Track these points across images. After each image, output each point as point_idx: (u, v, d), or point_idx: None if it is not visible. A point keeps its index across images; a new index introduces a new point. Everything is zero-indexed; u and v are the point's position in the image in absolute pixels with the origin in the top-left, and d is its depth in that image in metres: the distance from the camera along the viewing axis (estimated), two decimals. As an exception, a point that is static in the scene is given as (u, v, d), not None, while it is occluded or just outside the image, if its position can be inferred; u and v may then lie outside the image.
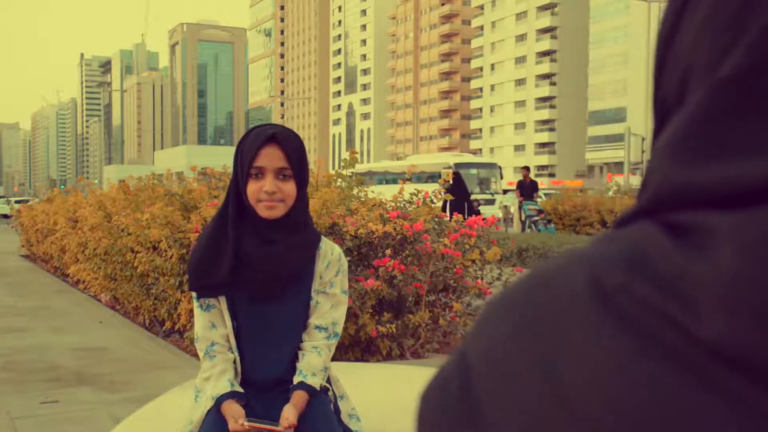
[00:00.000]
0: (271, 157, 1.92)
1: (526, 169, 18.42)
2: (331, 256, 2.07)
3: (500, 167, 30.99)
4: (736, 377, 0.25)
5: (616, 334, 0.27)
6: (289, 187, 1.94)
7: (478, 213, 17.67)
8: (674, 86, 0.32)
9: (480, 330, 0.33)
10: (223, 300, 2.01)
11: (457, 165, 27.56)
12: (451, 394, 0.32)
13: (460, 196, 17.74)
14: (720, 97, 0.28)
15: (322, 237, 2.10)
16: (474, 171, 28.96)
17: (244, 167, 1.93)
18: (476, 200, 18.34)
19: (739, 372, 0.25)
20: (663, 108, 0.33)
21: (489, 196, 26.97)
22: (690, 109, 0.29)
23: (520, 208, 17.66)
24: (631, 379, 0.26)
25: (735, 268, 0.25)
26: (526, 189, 17.66)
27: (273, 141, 1.93)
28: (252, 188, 1.93)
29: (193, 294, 2.04)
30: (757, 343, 0.24)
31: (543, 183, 66.88)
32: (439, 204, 6.04)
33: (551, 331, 0.30)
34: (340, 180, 6.52)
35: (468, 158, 32.55)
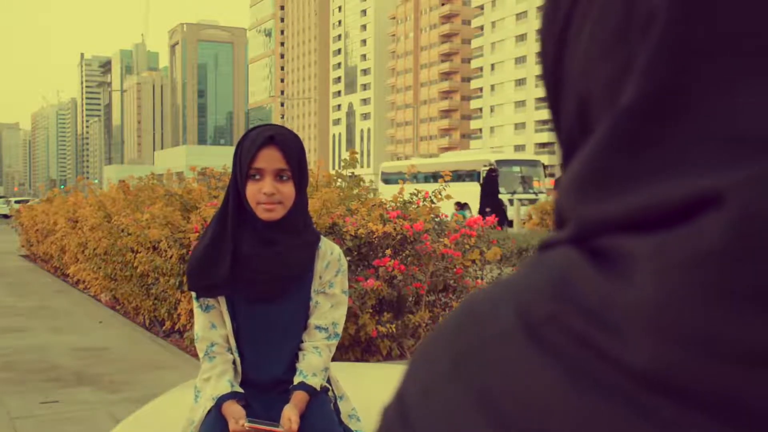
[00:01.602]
0: (269, 159, 1.91)
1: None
2: (330, 256, 2.07)
3: (543, 164, 29.20)
4: (665, 403, 0.25)
5: (546, 366, 0.27)
6: (288, 189, 1.94)
7: (502, 216, 17.09)
8: (573, 117, 0.32)
9: (414, 370, 0.33)
10: (222, 300, 2.00)
11: (498, 163, 26.45)
12: None
13: (491, 196, 17.04)
14: (623, 128, 0.28)
15: (322, 237, 2.10)
16: (516, 169, 27.76)
17: (243, 168, 1.92)
18: (503, 202, 17.45)
19: (668, 398, 0.25)
20: (568, 140, 0.33)
21: (532, 196, 25.93)
22: (594, 142, 0.29)
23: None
24: (563, 411, 0.26)
25: (655, 294, 0.25)
26: None
27: (272, 142, 1.92)
28: (251, 190, 1.92)
29: (193, 294, 2.04)
30: (682, 368, 0.25)
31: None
32: (439, 204, 6.03)
33: (486, 366, 0.29)
34: (340, 180, 6.52)
35: (508, 155, 30.97)
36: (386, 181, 31.51)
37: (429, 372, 0.32)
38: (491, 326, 0.30)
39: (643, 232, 0.27)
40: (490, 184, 17.43)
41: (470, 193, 22.57)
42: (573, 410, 0.26)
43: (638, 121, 0.27)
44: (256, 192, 1.92)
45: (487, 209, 17.09)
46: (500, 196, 20.44)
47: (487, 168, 24.89)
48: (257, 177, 1.92)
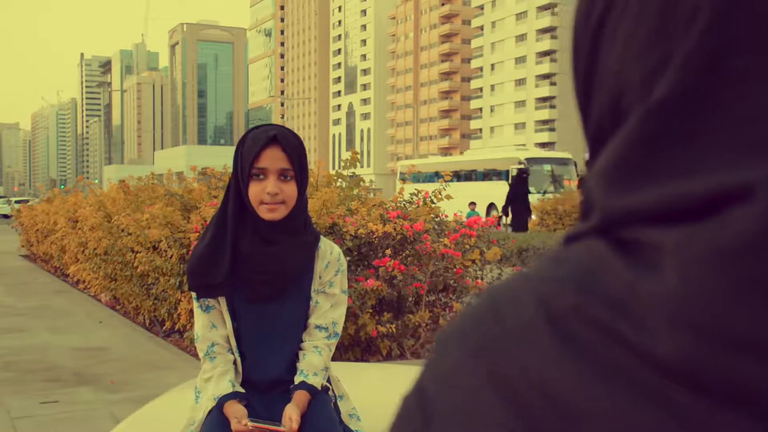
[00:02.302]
0: (273, 158, 1.91)
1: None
2: (330, 256, 2.07)
3: (575, 162, 27.96)
4: (689, 395, 0.25)
5: (570, 356, 0.27)
6: (291, 189, 1.94)
7: (524, 223, 16.12)
8: (606, 110, 0.32)
9: (435, 360, 0.33)
10: (222, 301, 2.00)
11: (529, 161, 24.98)
12: (413, 427, 0.32)
13: (520, 198, 16.11)
14: (655, 121, 0.28)
15: (321, 237, 2.10)
16: (547, 167, 26.47)
17: (245, 168, 1.92)
18: (530, 208, 16.26)
19: (689, 389, 0.25)
20: (597, 132, 0.33)
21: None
22: (626, 134, 0.29)
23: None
24: (584, 401, 0.26)
25: (680, 285, 0.25)
26: None
27: (275, 142, 1.92)
28: (254, 190, 1.92)
29: (193, 295, 2.04)
30: (707, 361, 0.25)
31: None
32: (439, 204, 6.03)
33: (506, 356, 0.29)
34: (340, 180, 6.51)
35: (537, 152, 29.10)
36: (406, 181, 31.15)
37: (449, 361, 0.32)
38: (513, 317, 0.30)
39: (670, 224, 0.27)
40: (519, 185, 16.30)
41: (498, 193, 21.29)
42: (594, 401, 0.26)
43: (670, 115, 0.27)
44: (259, 192, 1.92)
45: (505, 214, 16.27)
46: (530, 196, 19.05)
47: (521, 166, 23.63)
48: (260, 177, 1.92)
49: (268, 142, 1.91)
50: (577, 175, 26.97)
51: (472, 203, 20.52)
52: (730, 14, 0.26)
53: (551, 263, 0.31)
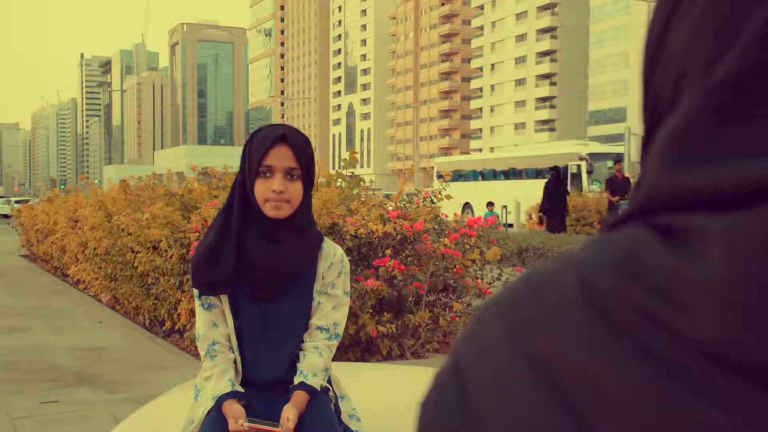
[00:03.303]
0: (281, 157, 1.92)
1: (618, 161, 15.38)
2: (333, 257, 2.07)
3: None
4: (730, 380, 0.25)
5: (608, 339, 0.27)
6: (297, 188, 1.95)
7: (561, 224, 15.27)
8: (667, 89, 0.32)
9: (472, 335, 0.33)
10: (225, 299, 2.01)
11: (592, 156, 23.03)
12: (447, 401, 0.32)
13: (557, 197, 15.23)
14: (714, 101, 0.28)
15: (325, 238, 2.11)
16: (610, 164, 24.35)
17: (253, 165, 1.93)
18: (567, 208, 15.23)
19: (733, 374, 0.25)
20: (655, 110, 0.33)
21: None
22: (683, 112, 0.29)
23: (612, 209, 14.18)
24: (622, 384, 0.26)
25: (727, 270, 0.25)
26: (619, 186, 14.20)
27: (284, 141, 1.93)
28: (260, 187, 1.93)
29: (195, 292, 2.04)
30: (749, 345, 0.24)
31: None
32: (438, 204, 6.03)
33: (543, 335, 0.29)
34: (340, 180, 6.52)
35: (598, 147, 26.76)
36: (444, 181, 29.34)
37: (486, 337, 0.32)
38: (552, 297, 0.30)
39: (717, 209, 0.27)
40: (554, 183, 15.28)
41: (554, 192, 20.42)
42: (630, 384, 0.26)
43: (727, 97, 0.27)
44: (265, 189, 1.92)
45: (543, 213, 15.52)
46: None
47: (581, 162, 22.41)
48: (267, 174, 1.93)
49: (276, 140, 1.93)
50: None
51: (490, 203, 20.01)
52: None
53: (594, 246, 0.31)
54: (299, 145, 1.95)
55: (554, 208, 14.79)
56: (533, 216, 18.74)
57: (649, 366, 0.26)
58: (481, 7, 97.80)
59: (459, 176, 27.80)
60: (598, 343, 0.27)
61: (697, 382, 0.25)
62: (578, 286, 0.30)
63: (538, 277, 0.32)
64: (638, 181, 0.32)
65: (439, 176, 30.52)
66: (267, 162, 1.92)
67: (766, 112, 0.26)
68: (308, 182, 1.98)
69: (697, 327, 0.25)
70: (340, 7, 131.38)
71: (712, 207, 0.27)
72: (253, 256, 1.96)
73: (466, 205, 23.79)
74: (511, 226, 21.87)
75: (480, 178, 27.43)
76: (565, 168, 20.92)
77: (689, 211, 0.28)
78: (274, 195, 1.92)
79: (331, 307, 2.06)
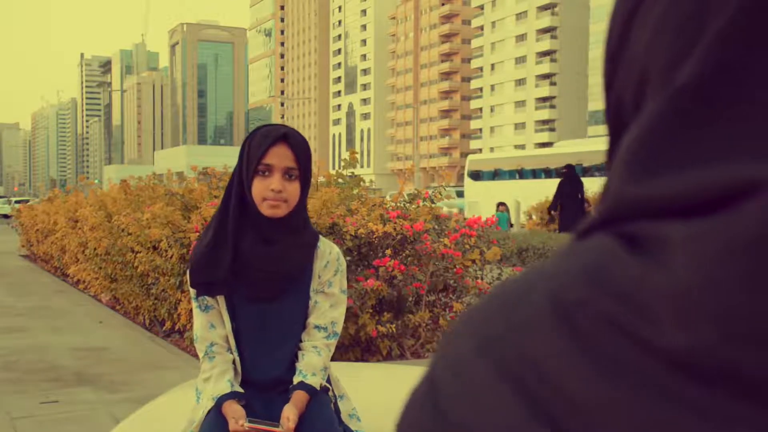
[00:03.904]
0: (280, 156, 1.93)
1: None
2: (329, 255, 2.07)
3: None
4: (697, 388, 0.25)
5: (578, 350, 0.27)
6: (294, 188, 1.95)
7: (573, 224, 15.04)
8: (630, 92, 0.32)
9: (445, 351, 0.33)
10: (221, 300, 2.01)
11: None
12: (423, 420, 0.32)
13: (570, 197, 15.01)
14: (676, 106, 0.28)
15: (320, 237, 2.11)
16: None
17: (252, 164, 1.93)
18: (587, 202, 15.01)
19: (701, 382, 0.25)
20: (618, 114, 0.33)
21: None
22: (647, 117, 0.29)
23: None
24: (593, 395, 0.26)
25: (690, 278, 0.25)
26: None
27: (283, 140, 1.93)
28: (258, 186, 1.93)
29: (192, 294, 2.04)
30: (716, 353, 0.25)
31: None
32: (439, 204, 6.02)
33: (515, 349, 0.30)
34: (340, 180, 6.52)
35: None
36: (475, 177, 27.97)
37: (459, 352, 0.32)
38: (522, 310, 0.31)
39: (680, 217, 0.27)
40: (567, 184, 15.06)
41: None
42: (602, 395, 0.26)
43: (689, 102, 0.27)
44: (263, 188, 1.92)
45: (554, 209, 15.39)
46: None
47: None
48: (265, 173, 1.93)
49: (277, 139, 1.93)
50: None
51: (502, 204, 19.47)
52: (756, 9, 0.26)
53: (562, 258, 0.31)
54: (299, 145, 1.96)
55: (568, 207, 14.62)
56: (533, 216, 18.71)
57: (618, 376, 0.26)
58: (481, 7, 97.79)
59: (494, 175, 27.09)
60: (568, 355, 0.28)
61: (665, 390, 0.25)
62: (547, 298, 0.30)
63: (507, 290, 0.32)
64: (604, 188, 0.32)
65: (471, 175, 29.00)
66: (266, 161, 1.92)
67: (728, 116, 0.26)
68: (305, 183, 1.98)
69: (663, 335, 0.26)
70: (340, 7, 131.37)
71: (676, 214, 0.27)
72: (250, 256, 1.96)
73: (501, 205, 22.27)
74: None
75: (517, 176, 26.06)
76: (566, 167, 20.62)
77: (654, 219, 0.28)
78: (272, 194, 1.92)
79: (329, 306, 2.06)
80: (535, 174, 25.77)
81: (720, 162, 0.26)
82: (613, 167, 0.31)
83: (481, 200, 24.45)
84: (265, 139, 1.93)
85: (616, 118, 0.33)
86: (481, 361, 0.31)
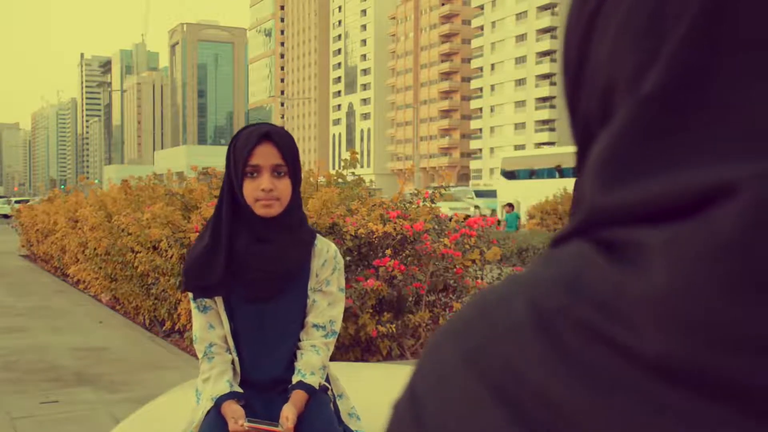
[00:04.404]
0: (266, 155, 1.92)
1: None
2: (326, 254, 2.07)
3: None
4: (677, 393, 0.25)
5: (558, 358, 0.28)
6: (285, 185, 1.95)
7: None
8: (595, 104, 0.32)
9: (426, 363, 0.33)
10: (219, 301, 2.00)
11: None
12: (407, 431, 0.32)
13: None
14: (643, 115, 0.28)
15: (317, 235, 2.10)
16: None
17: (239, 166, 1.93)
18: None
19: (680, 387, 0.25)
20: (586, 125, 0.33)
21: None
22: (615, 126, 0.29)
23: None
24: (576, 402, 0.26)
25: (668, 283, 0.25)
26: None
27: (267, 138, 1.93)
28: (249, 187, 1.93)
29: (190, 295, 2.04)
30: (695, 357, 0.25)
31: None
32: (439, 204, 6.02)
33: (496, 358, 0.30)
34: (340, 180, 6.51)
35: None
36: (510, 176, 27.16)
37: (440, 365, 0.32)
38: (503, 320, 0.31)
39: (656, 222, 0.27)
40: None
41: None
42: (583, 402, 0.26)
43: (657, 110, 0.27)
44: (253, 189, 1.92)
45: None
46: None
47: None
48: (254, 174, 1.93)
49: (260, 138, 1.93)
50: None
51: (509, 205, 19.29)
52: (716, 12, 0.26)
53: (541, 266, 0.32)
54: (284, 141, 1.95)
55: None
56: (534, 216, 18.72)
57: (599, 383, 0.26)
58: (481, 7, 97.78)
59: (531, 174, 26.23)
60: (549, 363, 0.28)
61: (645, 396, 0.25)
62: (526, 307, 0.30)
63: (487, 300, 0.32)
64: (575, 196, 0.32)
65: (505, 174, 27.95)
66: (253, 161, 1.92)
67: (696, 121, 0.27)
68: (295, 179, 1.98)
69: (641, 341, 0.26)
70: (340, 7, 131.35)
71: (651, 220, 0.27)
72: (246, 256, 1.96)
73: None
74: None
75: (557, 175, 24.96)
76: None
77: (630, 225, 0.28)
78: (263, 194, 1.92)
79: (327, 305, 2.06)
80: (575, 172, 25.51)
81: (692, 166, 0.26)
82: (584, 176, 0.31)
83: (518, 201, 23.15)
84: (249, 140, 1.93)
85: (584, 129, 0.33)
86: (463, 371, 0.30)
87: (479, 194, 28.24)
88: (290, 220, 2.00)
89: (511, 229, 16.71)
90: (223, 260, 1.94)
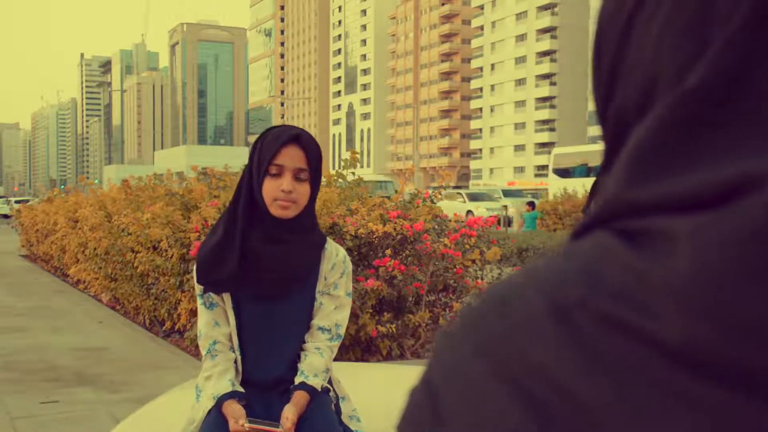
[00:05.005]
0: (292, 157, 1.93)
1: None
2: (336, 257, 2.07)
3: None
4: (698, 381, 0.25)
5: (576, 349, 0.27)
6: (305, 190, 1.95)
7: None
8: (634, 98, 0.32)
9: (441, 353, 0.33)
10: (227, 298, 2.01)
11: None
12: (422, 422, 0.32)
13: None
14: (684, 108, 0.28)
15: (328, 239, 2.11)
16: None
17: (263, 163, 1.93)
18: None
19: (702, 375, 0.25)
20: (618, 121, 0.33)
21: None
22: (652, 121, 0.29)
23: None
24: (593, 393, 0.26)
25: (693, 270, 0.25)
26: None
27: (296, 141, 1.94)
28: (268, 186, 1.93)
29: (198, 291, 2.04)
30: (716, 345, 0.25)
31: (543, 183, 66.77)
32: (440, 204, 6.02)
33: (512, 350, 0.30)
34: (340, 180, 6.52)
35: None
36: (563, 174, 26.37)
37: (456, 355, 0.32)
38: (519, 311, 0.31)
39: (684, 212, 0.27)
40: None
41: None
42: (601, 393, 0.26)
43: (698, 104, 0.28)
44: (273, 188, 1.92)
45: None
46: None
47: None
48: (276, 174, 1.93)
49: (289, 140, 1.93)
50: None
51: (531, 203, 19.16)
52: (766, 14, 0.27)
53: (558, 258, 0.31)
54: (311, 147, 1.96)
55: None
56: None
57: (618, 372, 0.26)
58: (481, 7, 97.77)
59: (589, 170, 25.39)
60: (568, 355, 0.27)
61: (666, 385, 0.25)
62: (543, 299, 0.30)
63: (504, 291, 0.32)
64: (600, 189, 0.32)
65: (558, 172, 27.00)
66: (278, 161, 1.92)
67: (734, 117, 0.27)
68: (315, 185, 1.99)
69: (663, 329, 0.26)
70: (340, 7, 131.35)
71: (682, 210, 0.27)
72: (257, 254, 1.96)
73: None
74: None
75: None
76: None
77: (656, 215, 0.28)
78: (282, 195, 1.92)
79: (333, 308, 2.06)
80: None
81: (726, 160, 0.27)
82: (615, 168, 0.31)
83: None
84: (278, 140, 1.93)
85: (618, 125, 0.33)
86: (478, 363, 0.30)
87: (507, 194, 27.41)
88: (304, 223, 2.00)
89: (530, 229, 16.56)
90: (237, 256, 1.94)
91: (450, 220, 5.91)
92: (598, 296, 0.28)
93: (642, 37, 0.31)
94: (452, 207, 22.92)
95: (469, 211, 21.90)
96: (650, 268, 0.27)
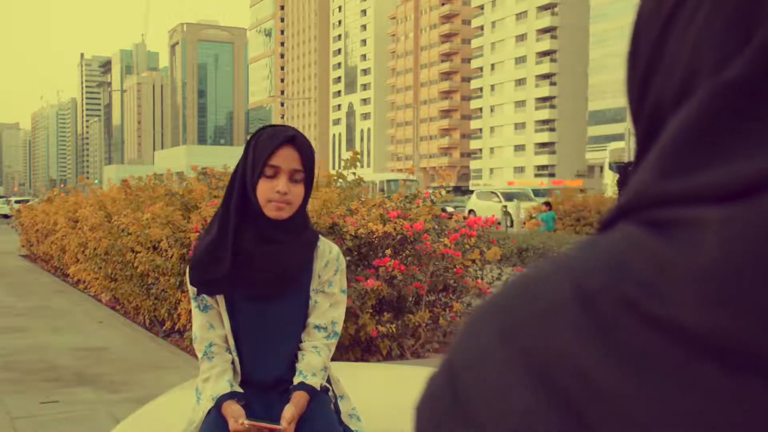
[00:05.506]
0: (287, 158, 1.92)
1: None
2: (329, 255, 2.07)
3: None
4: (720, 369, 0.25)
5: (600, 336, 0.28)
6: (299, 191, 1.95)
7: None
8: (671, 94, 0.32)
9: (464, 338, 0.33)
10: (221, 300, 2.00)
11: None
12: (442, 405, 0.32)
13: None
14: (721, 100, 0.28)
15: (320, 237, 2.10)
16: None
17: (258, 164, 1.91)
18: None
19: (724, 363, 0.25)
20: (654, 115, 0.33)
21: None
22: (690, 111, 0.29)
23: None
24: (616, 381, 0.26)
25: (720, 259, 0.25)
26: None
27: (292, 142, 1.93)
28: (263, 187, 1.92)
29: (191, 293, 2.03)
30: (740, 334, 0.25)
31: (543, 183, 66.73)
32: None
33: (536, 337, 0.30)
34: (340, 180, 6.52)
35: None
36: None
37: (480, 341, 0.32)
38: (544, 299, 0.31)
39: (714, 203, 0.27)
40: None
41: None
42: (625, 381, 0.26)
43: (735, 96, 0.28)
44: (268, 189, 1.91)
45: None
46: None
47: None
48: (271, 175, 1.92)
49: (285, 141, 1.92)
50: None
51: (546, 204, 19.08)
52: None
53: (585, 248, 0.32)
54: (305, 148, 1.95)
55: None
56: (533, 216, 18.71)
57: (641, 361, 0.26)
58: (481, 7, 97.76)
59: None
60: (590, 342, 0.28)
61: (688, 374, 0.25)
62: (570, 287, 0.30)
63: (529, 279, 0.33)
64: (625, 182, 0.33)
65: (617, 168, 27.65)
66: (273, 162, 1.91)
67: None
68: (309, 186, 1.98)
69: (687, 318, 0.26)
70: (340, 7, 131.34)
71: (713, 201, 0.27)
72: (250, 254, 1.96)
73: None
74: None
75: None
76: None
77: (685, 205, 0.28)
78: (277, 196, 1.91)
79: (329, 306, 2.06)
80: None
81: (760, 153, 0.27)
82: (648, 160, 0.31)
83: None
84: (273, 141, 1.92)
85: (652, 121, 0.33)
86: (502, 349, 0.31)
87: (536, 194, 27.37)
88: (296, 223, 2.00)
89: (549, 229, 16.43)
90: (230, 257, 1.94)
91: (452, 219, 5.91)
92: (623, 283, 0.28)
93: (682, 34, 0.31)
94: (488, 207, 23.10)
95: (506, 211, 22.00)
96: (676, 257, 0.27)
